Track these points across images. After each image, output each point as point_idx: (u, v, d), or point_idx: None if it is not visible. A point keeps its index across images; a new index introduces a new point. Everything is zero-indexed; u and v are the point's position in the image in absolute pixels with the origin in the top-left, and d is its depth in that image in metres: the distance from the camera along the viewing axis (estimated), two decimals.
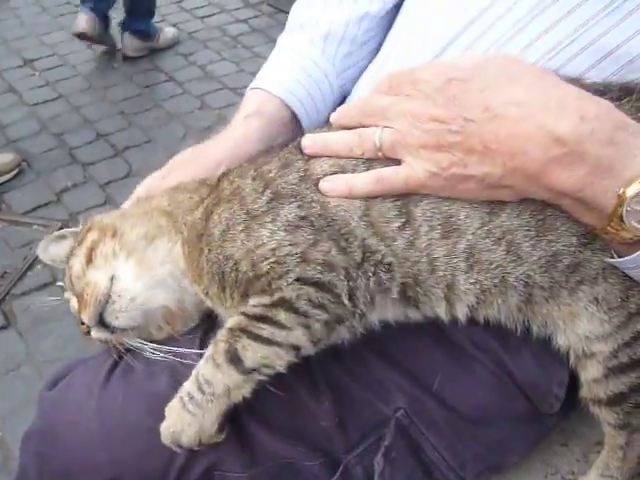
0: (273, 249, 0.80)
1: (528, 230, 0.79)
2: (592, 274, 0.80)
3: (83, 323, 0.91)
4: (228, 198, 0.86)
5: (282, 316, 0.79)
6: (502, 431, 0.95)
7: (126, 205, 1.03)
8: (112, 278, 0.89)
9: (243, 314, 0.81)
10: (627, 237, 0.71)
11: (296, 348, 0.80)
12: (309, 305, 0.79)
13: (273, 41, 1.21)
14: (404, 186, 0.79)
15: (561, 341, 0.86)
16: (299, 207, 0.82)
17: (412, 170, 0.78)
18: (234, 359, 0.79)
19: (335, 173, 0.83)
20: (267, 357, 0.80)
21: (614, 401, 0.86)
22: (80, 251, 0.93)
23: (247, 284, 0.82)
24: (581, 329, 0.83)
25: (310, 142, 0.87)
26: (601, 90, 0.81)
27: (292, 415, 0.88)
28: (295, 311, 0.79)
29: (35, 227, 2.89)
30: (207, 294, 0.89)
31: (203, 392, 0.80)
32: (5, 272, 2.68)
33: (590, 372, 0.86)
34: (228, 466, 0.87)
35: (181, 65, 4.13)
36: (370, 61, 1.15)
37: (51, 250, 1.02)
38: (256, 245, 0.81)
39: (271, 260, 0.80)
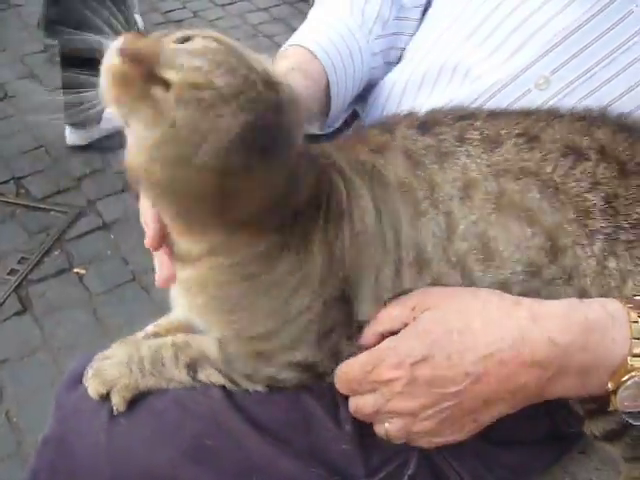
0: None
1: (476, 254, 0.77)
2: None
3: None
4: None
5: (260, 380, 0.83)
6: (526, 453, 0.93)
7: None
8: None
9: (226, 359, 0.83)
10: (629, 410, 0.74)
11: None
12: (292, 379, 0.82)
13: (294, 30, 1.17)
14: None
15: None
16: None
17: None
18: (192, 369, 0.84)
19: None
20: (220, 384, 0.84)
21: (609, 438, 0.83)
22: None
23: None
24: None
25: None
26: (527, 112, 0.82)
27: (312, 438, 0.85)
28: (275, 381, 0.83)
29: (53, 213, 2.90)
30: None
31: (153, 366, 0.85)
32: (22, 257, 2.68)
33: (574, 409, 0.84)
34: None
35: None
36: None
37: None
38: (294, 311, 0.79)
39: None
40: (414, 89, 1.02)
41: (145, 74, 0.64)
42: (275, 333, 0.80)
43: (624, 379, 0.71)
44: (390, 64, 1.14)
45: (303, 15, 1.19)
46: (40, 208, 2.91)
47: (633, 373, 0.70)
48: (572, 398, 0.80)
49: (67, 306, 2.49)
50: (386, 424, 0.79)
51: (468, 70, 0.94)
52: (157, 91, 0.63)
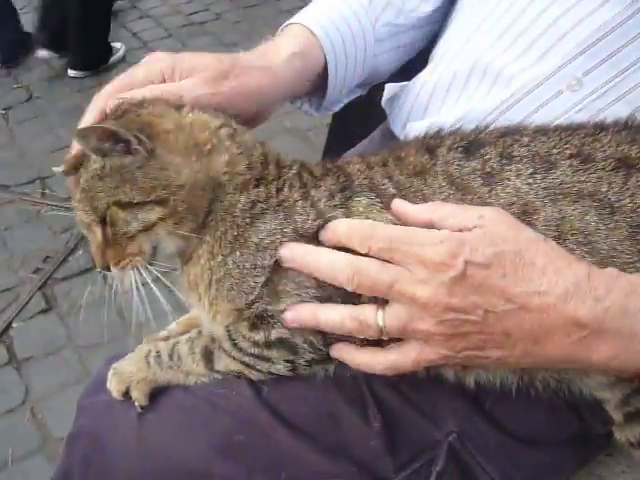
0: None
1: None
2: None
3: None
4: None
5: (274, 354, 0.82)
6: (553, 452, 0.92)
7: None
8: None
9: (233, 343, 0.83)
10: None
11: (273, 374, 0.84)
12: (305, 343, 0.81)
13: None
14: (412, 366, 0.77)
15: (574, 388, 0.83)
16: None
17: (422, 350, 0.75)
18: (207, 358, 0.85)
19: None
20: (240, 372, 0.85)
21: None
22: None
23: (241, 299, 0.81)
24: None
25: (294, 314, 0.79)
26: (574, 127, 0.80)
27: (339, 434, 0.85)
28: (289, 347, 0.81)
29: None
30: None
31: (171, 359, 0.87)
32: (47, 256, 2.72)
33: (612, 417, 0.83)
34: None
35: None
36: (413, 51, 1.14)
37: None
38: None
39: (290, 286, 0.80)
40: (442, 91, 1.01)
41: None
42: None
43: None
44: (404, 54, 1.15)
45: None
46: (65, 207, 2.93)
47: None
48: (608, 369, 0.75)
49: (92, 305, 2.50)
50: (387, 307, 0.74)
51: (499, 72, 0.93)
52: None
